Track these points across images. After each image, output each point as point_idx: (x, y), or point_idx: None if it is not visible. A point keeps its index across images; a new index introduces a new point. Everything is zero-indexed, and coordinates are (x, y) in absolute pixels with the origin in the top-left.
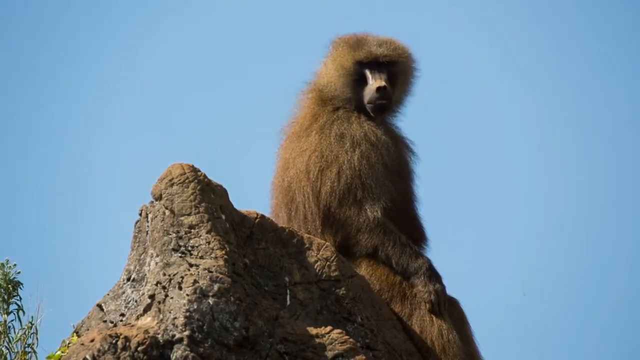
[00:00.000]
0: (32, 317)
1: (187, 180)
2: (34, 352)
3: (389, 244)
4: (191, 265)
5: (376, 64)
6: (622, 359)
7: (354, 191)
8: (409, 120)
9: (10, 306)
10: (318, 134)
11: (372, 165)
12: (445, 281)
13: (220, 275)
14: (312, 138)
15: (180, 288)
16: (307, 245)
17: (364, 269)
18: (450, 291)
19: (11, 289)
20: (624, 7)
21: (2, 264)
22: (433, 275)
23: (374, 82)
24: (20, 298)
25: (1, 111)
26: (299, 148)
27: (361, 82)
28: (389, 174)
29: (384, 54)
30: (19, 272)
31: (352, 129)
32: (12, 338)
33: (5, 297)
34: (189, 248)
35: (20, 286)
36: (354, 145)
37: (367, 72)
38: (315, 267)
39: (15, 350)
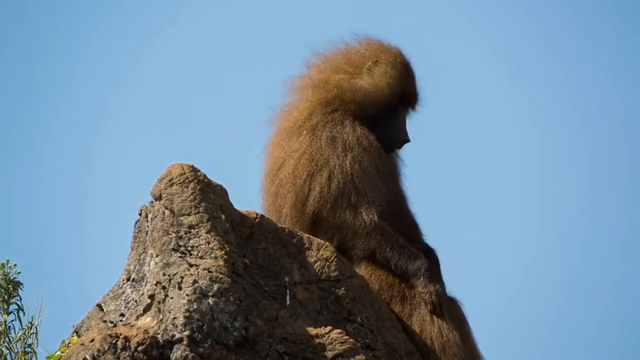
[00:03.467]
0: (32, 317)
1: (186, 180)
2: (34, 352)
3: (387, 246)
4: (191, 265)
5: (407, 102)
6: (621, 358)
7: (347, 195)
8: (409, 120)
9: (11, 306)
10: (309, 134)
11: (364, 169)
12: (444, 280)
13: (220, 275)
14: (302, 138)
15: (180, 288)
16: (307, 245)
17: (363, 269)
18: (450, 291)
19: (11, 289)
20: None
21: (3, 264)
22: (433, 276)
23: (406, 134)
24: (21, 298)
25: (2, 111)
26: (289, 148)
27: (389, 110)
28: (381, 177)
29: (418, 101)
30: (19, 272)
31: (345, 133)
32: (12, 338)
33: (6, 297)
34: (189, 248)
35: (21, 286)
36: (345, 150)
37: (400, 110)
38: (315, 267)
39: (16, 351)
